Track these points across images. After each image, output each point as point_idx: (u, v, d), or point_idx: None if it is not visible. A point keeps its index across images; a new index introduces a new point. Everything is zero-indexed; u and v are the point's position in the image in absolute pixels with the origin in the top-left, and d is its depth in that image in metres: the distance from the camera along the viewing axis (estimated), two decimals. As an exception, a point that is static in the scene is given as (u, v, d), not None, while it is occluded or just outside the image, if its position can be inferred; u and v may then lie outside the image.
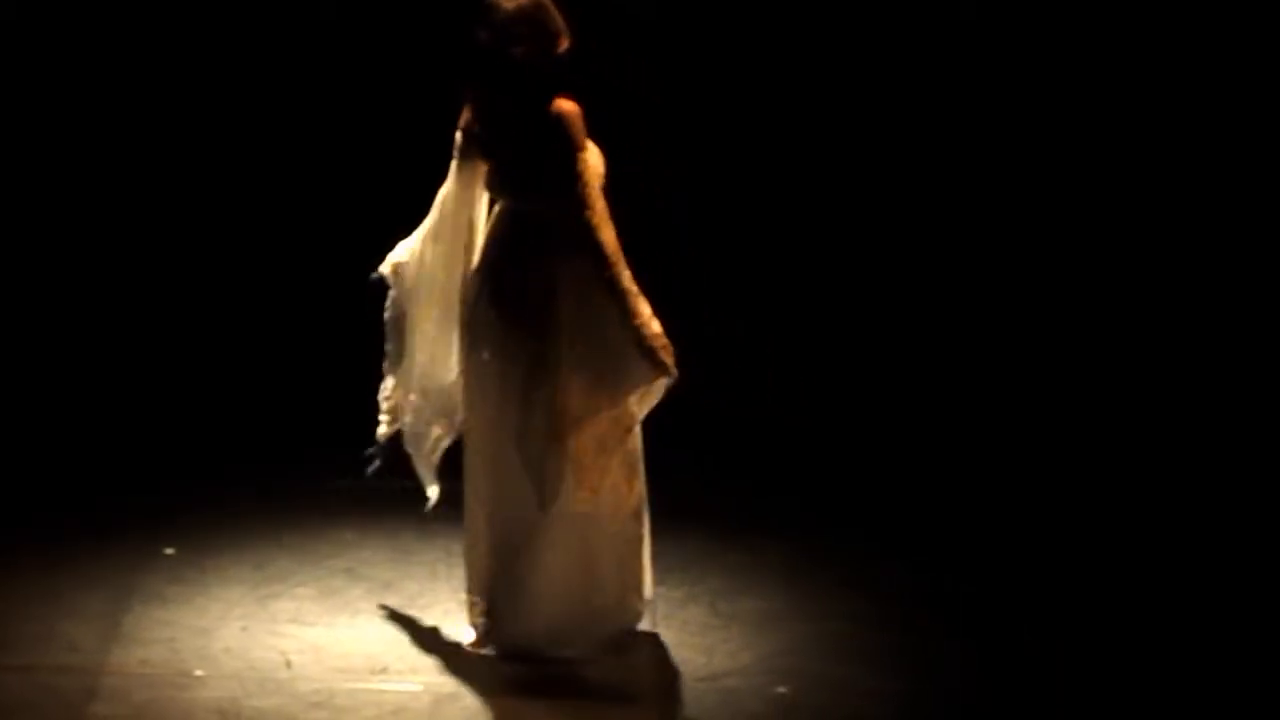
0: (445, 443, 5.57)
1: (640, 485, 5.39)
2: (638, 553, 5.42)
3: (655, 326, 5.14)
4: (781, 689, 5.25)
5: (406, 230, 5.61)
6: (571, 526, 5.30)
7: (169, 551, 6.21)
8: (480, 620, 5.45)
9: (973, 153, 7.94)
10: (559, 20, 5.25)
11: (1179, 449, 7.27)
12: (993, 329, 7.88)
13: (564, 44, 5.24)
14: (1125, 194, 7.87)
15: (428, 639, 5.55)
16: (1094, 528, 6.68)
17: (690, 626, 5.66)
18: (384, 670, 5.31)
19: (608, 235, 5.17)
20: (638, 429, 5.33)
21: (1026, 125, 7.91)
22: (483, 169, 5.36)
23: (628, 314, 5.13)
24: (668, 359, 5.13)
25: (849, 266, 8.03)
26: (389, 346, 5.61)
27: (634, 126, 5.38)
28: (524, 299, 5.26)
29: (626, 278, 5.15)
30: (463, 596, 5.76)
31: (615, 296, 5.14)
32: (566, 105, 5.20)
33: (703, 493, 5.57)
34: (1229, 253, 7.79)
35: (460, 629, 5.58)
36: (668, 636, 5.55)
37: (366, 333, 7.96)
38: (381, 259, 5.62)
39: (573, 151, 5.17)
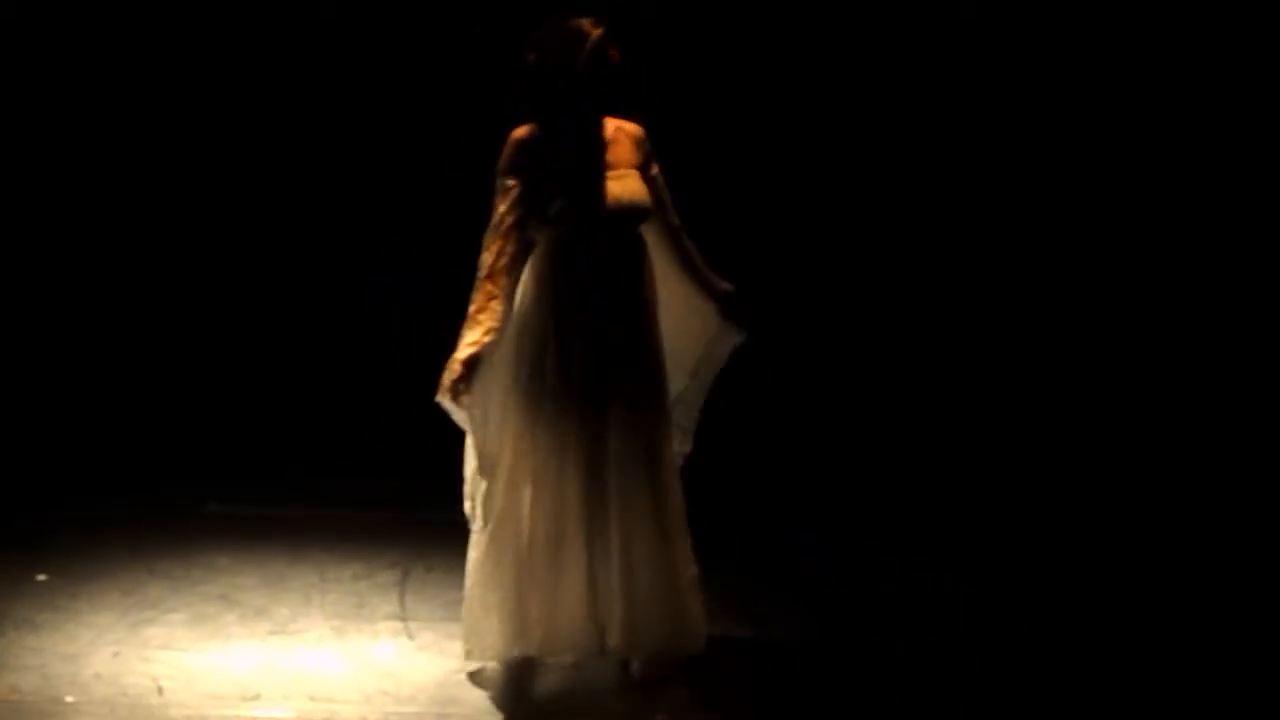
0: None
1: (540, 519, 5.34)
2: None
3: (459, 351, 5.15)
4: None
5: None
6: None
7: (41, 578, 6.19)
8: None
9: (973, 153, 7.90)
10: (569, 46, 5.18)
11: (1176, 450, 7.32)
12: (990, 330, 7.86)
13: (547, 63, 5.21)
14: (1124, 194, 7.84)
15: (300, 665, 5.56)
16: (1088, 544, 6.72)
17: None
18: (256, 696, 5.32)
19: (484, 256, 5.21)
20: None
21: (1025, 125, 7.86)
22: None
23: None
24: (444, 379, 5.15)
25: (849, 267, 7.97)
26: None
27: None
28: None
29: (474, 302, 5.18)
30: (336, 622, 5.91)
31: None
32: (516, 130, 5.29)
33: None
34: (1229, 253, 7.76)
35: (332, 653, 5.64)
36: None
37: (240, 358, 8.04)
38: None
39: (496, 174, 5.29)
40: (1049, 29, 7.83)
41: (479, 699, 5.34)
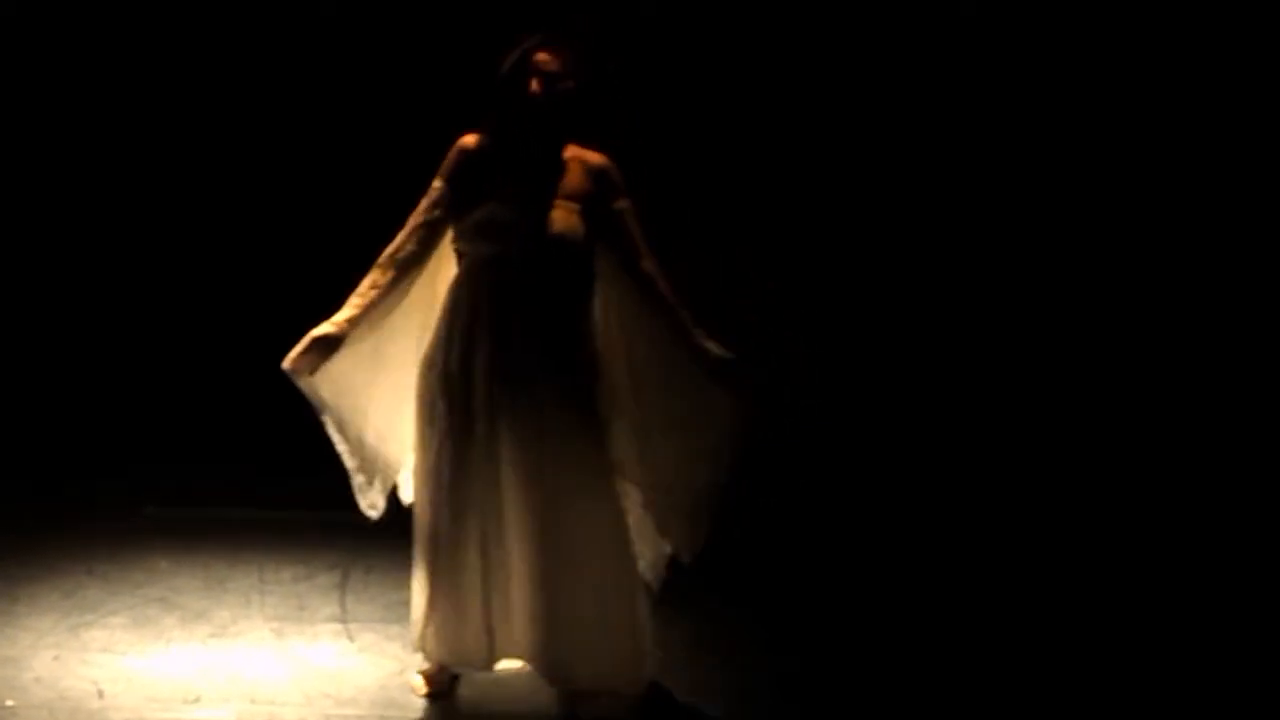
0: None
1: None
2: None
3: (317, 327, 5.10)
4: None
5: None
6: None
7: (-21, 581, 6.21)
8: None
9: (973, 152, 7.84)
10: (509, 59, 5.05)
11: (1176, 451, 7.34)
12: (987, 333, 7.82)
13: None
14: (1125, 194, 7.79)
15: (241, 668, 5.58)
16: (1081, 553, 6.73)
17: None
18: (197, 699, 5.33)
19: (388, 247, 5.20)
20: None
21: (1025, 125, 7.81)
22: None
23: None
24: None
25: (849, 268, 7.93)
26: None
27: (636, 126, 5.14)
28: None
29: (359, 285, 5.14)
30: (276, 624, 5.92)
31: None
32: (464, 137, 5.19)
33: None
34: (1229, 253, 7.73)
35: (272, 656, 5.66)
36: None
37: (182, 359, 8.04)
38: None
39: None
40: (1050, 26, 7.80)
41: (420, 701, 5.37)
